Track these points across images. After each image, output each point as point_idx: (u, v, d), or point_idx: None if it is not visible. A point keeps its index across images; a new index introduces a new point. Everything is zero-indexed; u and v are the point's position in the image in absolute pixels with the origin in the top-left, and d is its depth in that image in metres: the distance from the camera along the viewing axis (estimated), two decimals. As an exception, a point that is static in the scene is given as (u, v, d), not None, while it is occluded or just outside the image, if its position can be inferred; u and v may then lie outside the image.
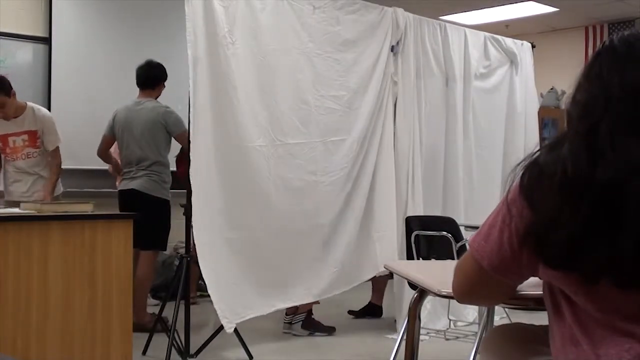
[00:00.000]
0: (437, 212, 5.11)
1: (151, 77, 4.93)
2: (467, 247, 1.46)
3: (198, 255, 4.01)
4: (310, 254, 4.61)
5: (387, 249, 4.85)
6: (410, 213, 4.89)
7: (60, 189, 4.97)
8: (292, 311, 4.82)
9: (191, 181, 4.01)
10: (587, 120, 1.27)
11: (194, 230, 4.05)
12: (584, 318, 1.30)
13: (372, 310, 5.52)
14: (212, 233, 4.12)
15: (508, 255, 1.35)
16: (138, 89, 4.98)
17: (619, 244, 1.20)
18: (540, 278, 1.38)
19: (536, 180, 1.29)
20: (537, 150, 1.33)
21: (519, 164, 1.34)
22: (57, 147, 4.79)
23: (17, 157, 4.72)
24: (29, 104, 4.77)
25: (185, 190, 4.13)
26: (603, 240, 1.21)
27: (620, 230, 1.20)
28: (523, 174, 1.32)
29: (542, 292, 1.44)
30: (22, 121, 4.69)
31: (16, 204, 4.20)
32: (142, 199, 4.75)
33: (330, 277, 4.69)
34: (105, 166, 5.55)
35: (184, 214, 4.21)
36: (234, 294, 4.19)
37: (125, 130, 4.86)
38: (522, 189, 1.31)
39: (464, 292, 1.53)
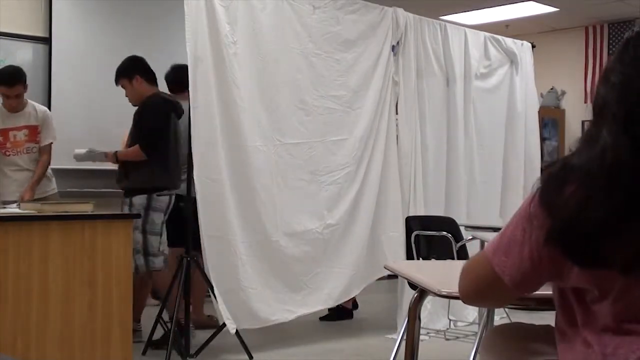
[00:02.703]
0: (439, 212, 5.10)
1: (178, 80, 4.78)
2: (483, 253, 1.42)
3: (206, 255, 4.00)
4: (326, 256, 4.61)
5: (395, 249, 4.85)
6: (413, 213, 4.89)
7: (54, 188, 4.97)
8: None
9: (195, 182, 4.01)
10: (624, 103, 1.26)
11: (201, 231, 4.03)
12: (595, 321, 1.30)
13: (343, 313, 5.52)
14: (223, 235, 4.12)
15: (529, 267, 1.34)
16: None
17: None
18: (560, 285, 1.37)
19: (558, 181, 1.27)
20: (572, 153, 1.31)
21: (545, 168, 1.33)
22: (50, 145, 4.83)
23: (18, 151, 4.75)
24: (29, 101, 4.84)
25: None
26: (634, 226, 1.20)
27: None
28: (545, 179, 1.31)
29: (542, 292, 1.44)
30: (23, 116, 4.76)
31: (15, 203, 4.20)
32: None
33: (347, 280, 4.71)
34: (104, 166, 5.53)
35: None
36: (251, 299, 4.21)
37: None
38: (542, 197, 1.30)
39: (471, 295, 1.51)
